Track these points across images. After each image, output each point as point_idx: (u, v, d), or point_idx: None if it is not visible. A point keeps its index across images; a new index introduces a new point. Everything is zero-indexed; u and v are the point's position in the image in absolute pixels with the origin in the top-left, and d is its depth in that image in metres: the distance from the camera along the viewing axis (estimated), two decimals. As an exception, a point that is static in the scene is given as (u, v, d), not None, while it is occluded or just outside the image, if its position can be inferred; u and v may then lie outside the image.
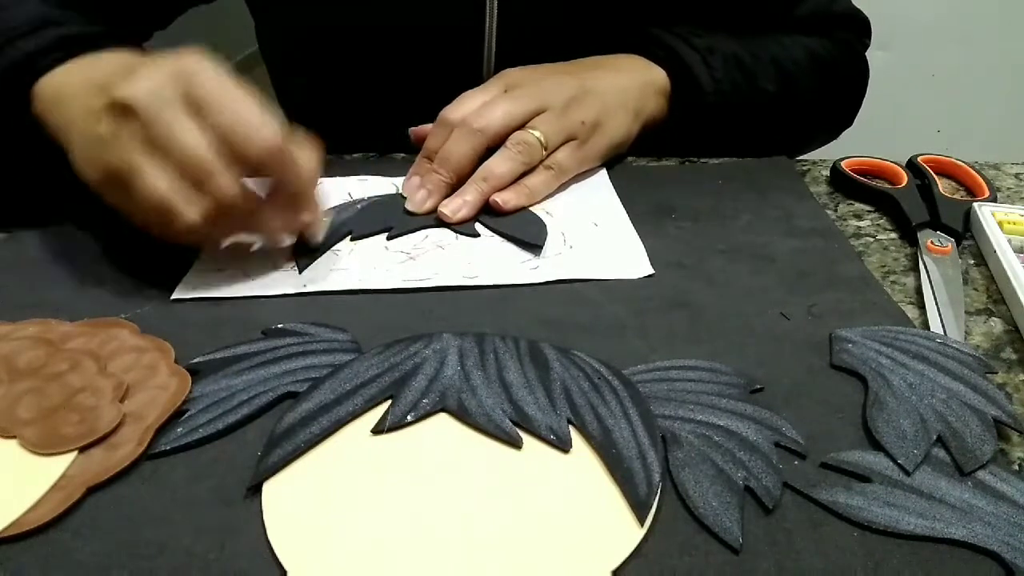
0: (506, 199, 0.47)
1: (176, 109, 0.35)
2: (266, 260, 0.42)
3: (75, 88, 0.40)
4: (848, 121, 0.67)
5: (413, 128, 0.53)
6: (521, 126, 0.48)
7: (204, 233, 0.38)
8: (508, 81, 0.51)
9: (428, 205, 0.47)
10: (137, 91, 0.35)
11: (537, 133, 0.48)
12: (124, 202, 0.37)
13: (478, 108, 0.48)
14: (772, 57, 0.58)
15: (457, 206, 0.46)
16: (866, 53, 0.66)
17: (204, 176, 0.36)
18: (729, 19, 0.59)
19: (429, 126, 0.51)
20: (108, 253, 0.43)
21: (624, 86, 0.54)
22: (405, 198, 0.49)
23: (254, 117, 0.36)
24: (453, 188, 0.48)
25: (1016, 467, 0.30)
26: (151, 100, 0.35)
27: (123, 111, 0.35)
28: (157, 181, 0.35)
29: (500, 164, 0.47)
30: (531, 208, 0.48)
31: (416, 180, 0.48)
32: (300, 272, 0.41)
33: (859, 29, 0.65)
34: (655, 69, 0.55)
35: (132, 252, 0.43)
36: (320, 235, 0.43)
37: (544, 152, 0.48)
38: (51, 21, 0.43)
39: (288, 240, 0.42)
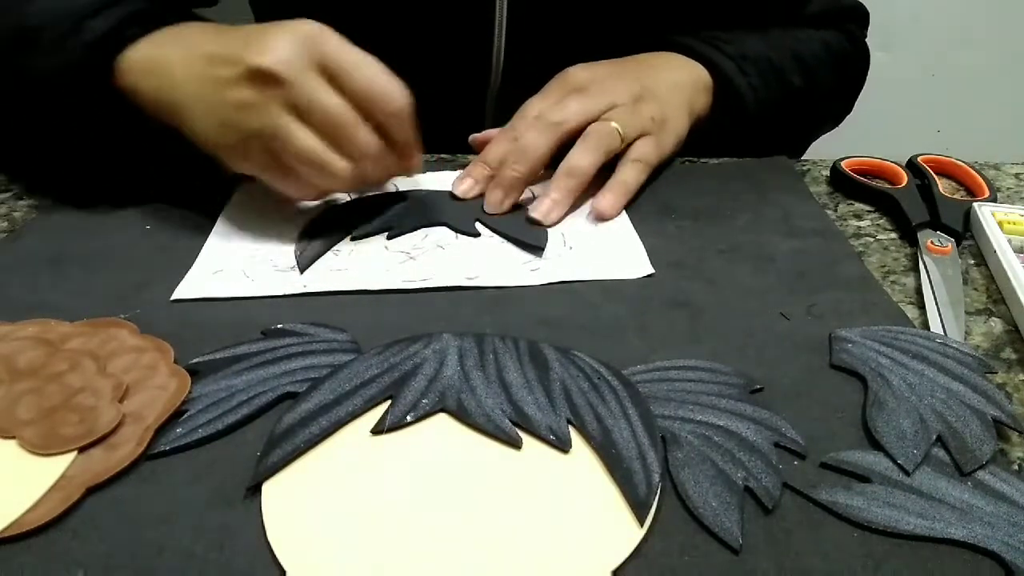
0: (611, 202, 0.47)
1: (315, 73, 0.39)
2: (266, 260, 0.42)
3: (179, 59, 0.41)
4: (850, 108, 0.68)
5: (475, 135, 0.52)
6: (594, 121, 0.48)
7: (348, 183, 0.42)
8: (571, 81, 0.50)
9: (506, 205, 0.47)
10: (277, 59, 0.38)
11: (615, 124, 0.48)
12: (263, 164, 0.41)
13: (551, 105, 0.48)
14: (793, 51, 0.59)
15: (547, 208, 0.46)
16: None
17: (349, 132, 0.40)
18: (741, 19, 0.60)
19: (492, 131, 0.50)
20: (108, 253, 0.43)
21: (679, 83, 0.54)
22: (405, 197, 0.49)
23: (386, 80, 0.40)
24: (526, 184, 0.47)
25: (1016, 467, 0.30)
26: (292, 66, 0.38)
27: (264, 78, 0.38)
28: (308, 138, 0.39)
29: (582, 156, 0.47)
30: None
31: (470, 181, 0.48)
32: (301, 272, 0.41)
33: (861, 19, 0.67)
34: (698, 66, 0.55)
35: (132, 252, 0.43)
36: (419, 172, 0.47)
37: (622, 143, 0.48)
38: (109, 1, 0.44)
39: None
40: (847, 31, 0.65)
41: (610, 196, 0.47)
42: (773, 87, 0.57)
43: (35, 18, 0.42)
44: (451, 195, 0.49)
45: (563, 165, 0.47)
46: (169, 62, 0.41)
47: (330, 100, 0.39)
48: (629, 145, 0.49)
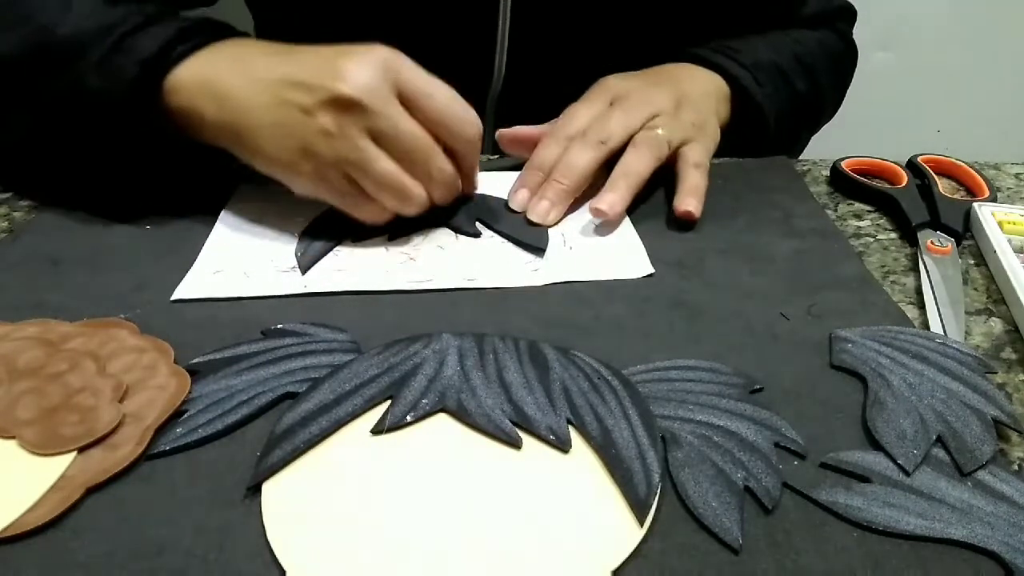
0: (695, 206, 0.46)
1: (394, 100, 0.39)
2: (266, 260, 0.42)
3: (244, 82, 0.41)
4: (840, 105, 0.69)
5: (504, 130, 0.52)
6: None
7: (421, 207, 0.42)
8: (612, 92, 0.51)
9: (552, 216, 0.47)
10: (359, 86, 0.38)
11: (661, 131, 0.48)
12: (338, 190, 0.41)
13: (594, 122, 0.48)
14: (794, 55, 0.59)
15: (612, 200, 0.46)
16: (866, 53, 0.69)
17: (427, 157, 0.41)
18: (740, 22, 0.60)
19: (522, 129, 0.51)
20: (108, 253, 0.43)
21: (707, 91, 0.54)
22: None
23: (462, 107, 0.41)
24: (572, 197, 0.47)
25: (1016, 467, 0.30)
26: (374, 94, 0.39)
27: (347, 105, 0.38)
28: (388, 165, 0.40)
29: (637, 160, 0.47)
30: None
31: (526, 192, 0.48)
32: (303, 274, 0.41)
33: (850, 18, 0.68)
34: (717, 77, 0.56)
35: (132, 252, 0.43)
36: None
37: (669, 149, 0.48)
38: (158, 15, 0.43)
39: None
40: (838, 30, 0.66)
41: (692, 200, 0.47)
42: (783, 94, 0.57)
43: (64, 27, 0.41)
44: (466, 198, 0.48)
45: (619, 168, 0.47)
46: (231, 84, 0.41)
47: (411, 127, 0.39)
48: (676, 151, 0.49)
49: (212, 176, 0.45)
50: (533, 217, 0.47)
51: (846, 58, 0.66)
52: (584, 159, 0.47)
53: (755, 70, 0.56)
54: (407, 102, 0.40)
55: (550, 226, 0.46)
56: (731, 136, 0.55)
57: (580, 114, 0.49)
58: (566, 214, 0.48)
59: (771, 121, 0.56)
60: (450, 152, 0.42)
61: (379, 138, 0.39)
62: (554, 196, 0.47)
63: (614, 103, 0.50)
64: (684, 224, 0.47)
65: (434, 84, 0.40)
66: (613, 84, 0.51)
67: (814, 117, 0.64)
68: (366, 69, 0.39)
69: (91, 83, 0.41)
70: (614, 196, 0.46)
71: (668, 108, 0.50)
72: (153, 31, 0.42)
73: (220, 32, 0.44)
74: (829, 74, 0.62)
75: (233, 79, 0.41)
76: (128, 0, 0.43)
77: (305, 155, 0.40)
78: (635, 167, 0.47)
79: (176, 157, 0.44)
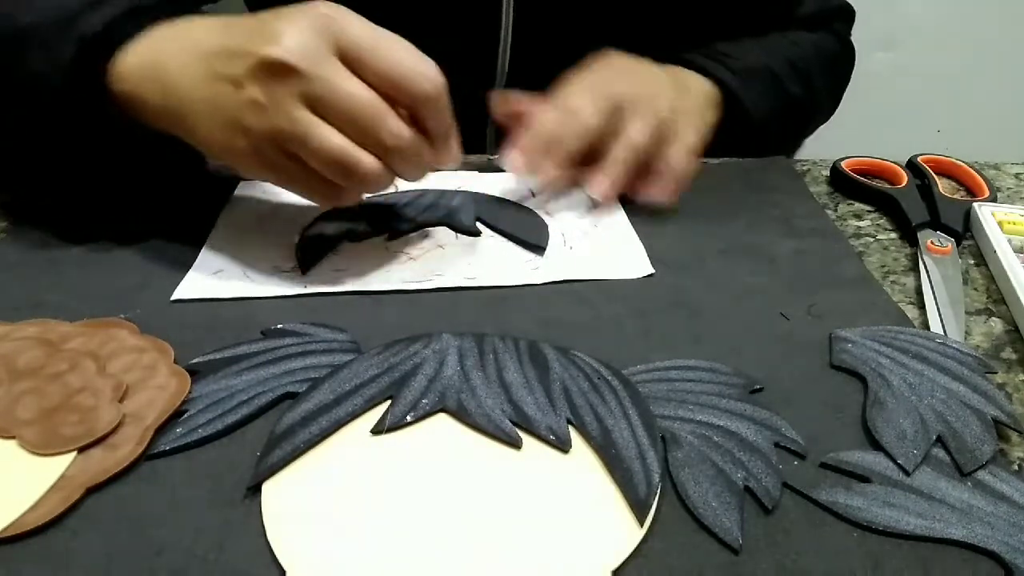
0: (666, 192, 0.47)
1: (333, 61, 0.35)
2: (266, 260, 0.42)
3: (180, 58, 0.37)
4: (837, 106, 0.69)
5: (501, 100, 0.51)
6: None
7: (379, 183, 0.37)
8: (614, 95, 0.50)
9: (540, 180, 0.47)
10: (291, 48, 0.34)
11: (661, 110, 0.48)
12: (281, 170, 0.37)
13: (588, 108, 0.47)
14: (788, 59, 0.60)
15: (606, 187, 0.46)
16: (866, 53, 0.69)
17: (376, 122, 0.35)
18: (738, 23, 0.60)
19: (520, 102, 0.50)
20: (108, 253, 0.43)
21: (697, 92, 0.54)
22: (406, 197, 0.49)
23: (416, 60, 0.36)
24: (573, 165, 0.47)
25: (1016, 467, 0.30)
26: (307, 55, 0.34)
27: (277, 71, 0.34)
28: (331, 135, 0.35)
29: (638, 134, 0.46)
30: (532, 208, 0.48)
31: (519, 155, 0.46)
32: (303, 274, 0.41)
33: (848, 18, 0.68)
34: (707, 81, 0.56)
35: (132, 252, 0.43)
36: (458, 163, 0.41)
37: (668, 126, 0.48)
38: None
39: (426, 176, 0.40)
40: (835, 31, 0.66)
41: (659, 189, 0.48)
42: (774, 98, 0.57)
43: (28, 16, 0.39)
44: (451, 193, 0.49)
45: (620, 143, 0.47)
46: (171, 63, 0.37)
47: (351, 88, 0.34)
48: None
49: (212, 175, 0.45)
50: (534, 188, 0.47)
51: (842, 59, 0.67)
52: (574, 143, 0.46)
53: (744, 74, 0.56)
54: (351, 62, 0.35)
55: (598, 205, 0.47)
56: (719, 139, 0.55)
57: (584, 111, 0.48)
58: (564, 207, 0.48)
59: (757, 123, 0.56)
60: (414, 118, 0.37)
61: (317, 105, 0.34)
62: (546, 163, 0.46)
63: (621, 107, 0.49)
64: (684, 224, 0.47)
65: (381, 38, 0.35)
66: (614, 88, 0.51)
67: (807, 120, 0.65)
68: (299, 29, 0.34)
69: (32, 67, 0.38)
70: (607, 183, 0.46)
71: (665, 96, 0.49)
72: (101, 10, 0.38)
73: (179, 11, 0.40)
74: (824, 77, 0.62)
75: (173, 57, 0.37)
76: None
77: (237, 132, 0.36)
78: (636, 140, 0.47)
79: (134, 152, 0.41)
